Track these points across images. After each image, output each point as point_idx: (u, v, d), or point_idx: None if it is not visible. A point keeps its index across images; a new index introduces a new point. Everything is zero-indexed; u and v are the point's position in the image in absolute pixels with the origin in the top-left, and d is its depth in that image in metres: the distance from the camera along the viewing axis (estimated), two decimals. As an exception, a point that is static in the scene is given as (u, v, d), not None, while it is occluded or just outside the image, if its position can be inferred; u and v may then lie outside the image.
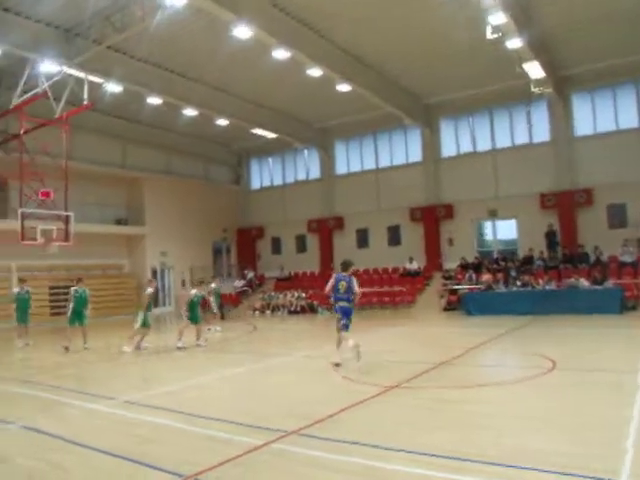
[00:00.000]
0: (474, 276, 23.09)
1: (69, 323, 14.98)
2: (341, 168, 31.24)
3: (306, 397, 8.15)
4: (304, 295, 24.83)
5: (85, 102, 18.54)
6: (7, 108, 20.35)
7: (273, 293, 25.67)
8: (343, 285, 10.59)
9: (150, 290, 14.92)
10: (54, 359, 13.53)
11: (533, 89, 21.88)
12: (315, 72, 19.90)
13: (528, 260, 23.07)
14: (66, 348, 14.25)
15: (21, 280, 17.49)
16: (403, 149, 29.29)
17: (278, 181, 33.89)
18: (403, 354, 12.15)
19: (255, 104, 25.88)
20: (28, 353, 14.88)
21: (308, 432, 6.08)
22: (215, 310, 19.79)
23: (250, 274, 29.46)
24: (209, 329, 18.21)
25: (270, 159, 34.08)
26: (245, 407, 7.51)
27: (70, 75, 18.88)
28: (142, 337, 14.52)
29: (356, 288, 10.64)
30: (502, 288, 21.00)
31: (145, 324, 14.44)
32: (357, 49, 20.83)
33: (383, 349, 12.75)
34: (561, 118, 24.74)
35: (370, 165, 30.21)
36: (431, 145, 28.15)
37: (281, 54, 18.13)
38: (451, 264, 26.73)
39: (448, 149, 28.15)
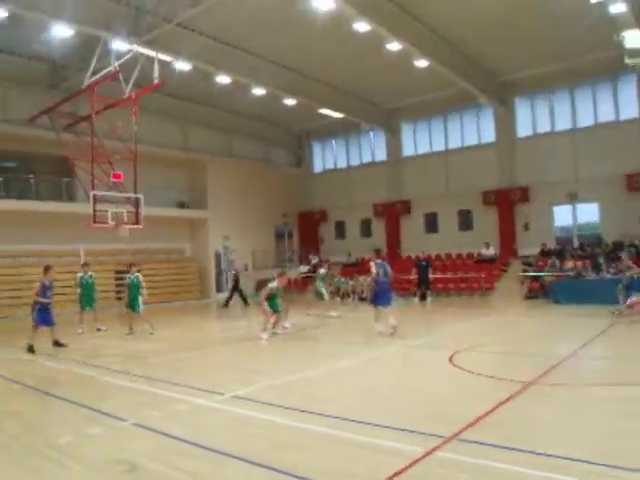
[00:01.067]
0: (557, 263, 21.69)
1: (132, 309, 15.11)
2: (408, 150, 30.03)
3: (434, 393, 7.26)
4: (374, 281, 23.80)
5: (156, 80, 17.96)
6: (79, 89, 20.06)
7: (342, 279, 24.73)
8: (383, 270, 12.87)
9: (274, 285, 13.91)
10: (133, 346, 13.04)
11: (627, 61, 20.15)
12: (394, 47, 18.79)
13: (618, 246, 21.48)
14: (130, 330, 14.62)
15: (85, 264, 17.00)
16: (475, 129, 27.87)
17: (342, 164, 32.91)
18: (515, 346, 11.10)
19: (324, 83, 24.92)
20: (105, 339, 14.40)
21: (468, 437, 5.18)
22: (326, 296, 18.32)
23: (315, 259, 28.62)
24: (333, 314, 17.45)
25: (333, 141, 33.12)
26: (376, 406, 6.64)
27: (140, 54, 18.34)
28: (276, 320, 13.87)
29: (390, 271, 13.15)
30: (592, 276, 19.56)
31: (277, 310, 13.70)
32: (437, 23, 19.60)
33: (492, 340, 11.69)
34: (654, 92, 22.93)
35: (439, 146, 28.91)
36: (506, 125, 26.65)
37: (362, 27, 17.10)
38: (527, 250, 25.36)
39: (524, 129, 26.58)
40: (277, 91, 23.22)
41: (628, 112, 23.80)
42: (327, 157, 33.66)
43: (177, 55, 19.35)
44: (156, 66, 17.89)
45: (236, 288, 23.45)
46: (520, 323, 15.54)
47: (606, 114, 24.37)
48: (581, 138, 24.73)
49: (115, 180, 18.78)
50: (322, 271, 18.90)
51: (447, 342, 11.71)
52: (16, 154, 23.09)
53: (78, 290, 16.00)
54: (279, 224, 32.33)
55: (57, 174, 24.42)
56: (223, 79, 21.32)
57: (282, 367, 9.62)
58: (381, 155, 31.05)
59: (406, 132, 30.11)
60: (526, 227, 26.10)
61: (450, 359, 9.24)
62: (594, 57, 22.52)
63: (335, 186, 32.38)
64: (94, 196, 18.08)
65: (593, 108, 24.69)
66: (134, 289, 14.97)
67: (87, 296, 15.91)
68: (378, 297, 12.92)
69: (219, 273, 28.83)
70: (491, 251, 24.84)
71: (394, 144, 30.09)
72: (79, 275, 16.18)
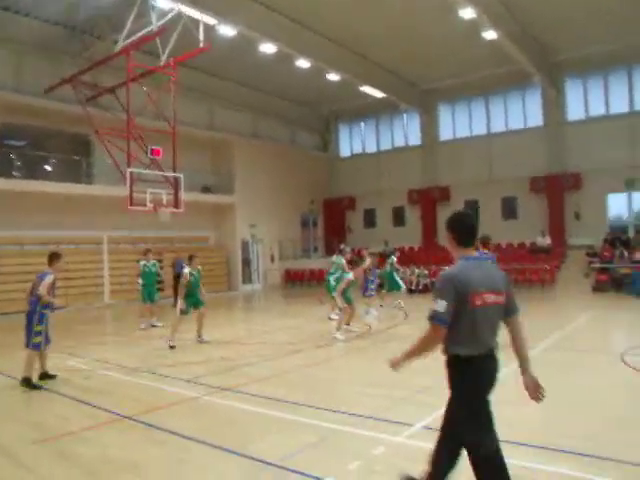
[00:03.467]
0: (626, 253, 20.08)
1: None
2: (446, 133, 28.15)
3: (620, 409, 5.48)
4: (426, 272, 21.98)
5: (201, 44, 15.81)
6: (101, 57, 17.87)
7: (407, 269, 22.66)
8: None
9: (350, 277, 12.40)
10: (203, 350, 11.05)
11: None
12: (467, 13, 16.84)
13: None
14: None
15: (146, 250, 15.07)
16: (520, 112, 26.05)
17: (371, 148, 30.90)
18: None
19: (366, 58, 22.95)
20: (161, 340, 12.36)
21: None
22: (403, 288, 16.70)
23: (347, 249, 26.49)
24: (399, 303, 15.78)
25: (362, 123, 31.10)
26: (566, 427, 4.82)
27: (181, 15, 16.15)
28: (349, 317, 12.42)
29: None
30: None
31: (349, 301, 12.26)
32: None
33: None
34: None
35: (480, 130, 27.07)
36: (556, 107, 24.90)
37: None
38: (577, 240, 23.76)
39: (575, 112, 24.83)
40: (322, 64, 21.12)
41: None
42: (355, 141, 31.62)
43: (223, 18, 17.22)
44: (202, 28, 15.80)
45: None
46: (630, 320, 13.83)
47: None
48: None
49: (154, 157, 16.66)
50: (394, 258, 16.79)
51: (591, 342, 9.97)
52: (27, 129, 20.68)
53: (140, 281, 14.04)
54: (305, 212, 30.28)
55: (70, 153, 22.17)
56: (268, 48, 19.15)
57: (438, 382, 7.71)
58: (414, 139, 29.14)
59: (444, 114, 28.21)
60: (577, 216, 24.42)
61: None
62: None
63: (364, 172, 30.39)
64: (131, 175, 15.93)
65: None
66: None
67: (149, 287, 14.19)
68: None
69: (246, 263, 26.72)
70: (547, 240, 23.10)
71: (430, 127, 28.20)
72: (142, 263, 14.24)
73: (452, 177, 27.33)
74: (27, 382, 7.99)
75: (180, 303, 11.30)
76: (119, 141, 17.33)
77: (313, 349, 10.65)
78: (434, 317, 3.26)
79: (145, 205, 16.26)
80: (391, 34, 20.59)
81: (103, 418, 6.46)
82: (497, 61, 22.89)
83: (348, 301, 12.47)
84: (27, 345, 8.17)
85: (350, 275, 12.57)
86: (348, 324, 12.61)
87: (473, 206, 26.78)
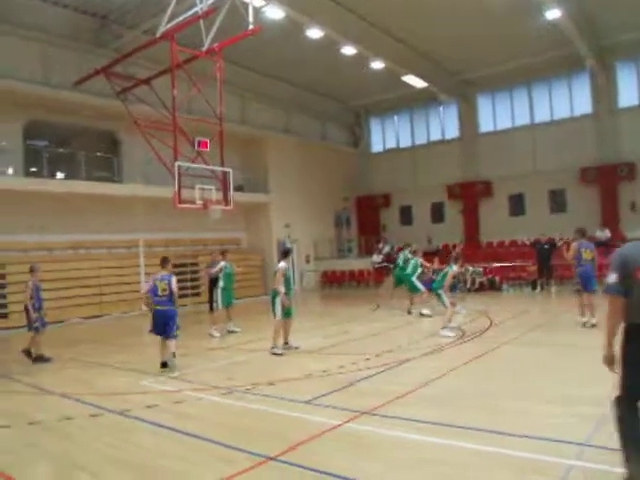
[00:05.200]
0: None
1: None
2: (486, 125, 26.82)
3: None
4: (480, 270, 20.66)
5: (251, 26, 14.44)
6: (132, 47, 16.64)
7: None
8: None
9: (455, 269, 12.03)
10: (299, 363, 9.73)
11: None
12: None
13: None
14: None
15: (223, 252, 13.88)
16: (567, 99, 24.72)
17: (405, 142, 29.54)
18: None
19: (407, 45, 21.61)
20: (250, 350, 11.05)
21: None
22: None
23: (387, 247, 25.13)
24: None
25: (395, 117, 29.74)
26: None
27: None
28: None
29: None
30: None
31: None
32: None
33: None
34: None
35: (523, 120, 25.75)
36: (607, 93, 23.57)
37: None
38: (633, 233, 22.36)
39: (627, 98, 23.49)
40: (366, 51, 19.82)
41: None
42: (388, 136, 30.20)
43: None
44: (251, 8, 14.44)
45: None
46: None
47: None
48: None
49: (202, 149, 15.32)
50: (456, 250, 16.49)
51: None
52: (54, 126, 19.33)
53: (220, 283, 12.82)
54: (339, 210, 28.93)
55: (99, 150, 20.87)
56: (315, 33, 17.85)
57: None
58: (452, 132, 27.80)
59: (483, 106, 26.89)
60: (633, 207, 23.10)
61: None
62: None
63: (398, 167, 29.04)
64: (179, 169, 14.59)
65: None
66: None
67: (229, 290, 13.27)
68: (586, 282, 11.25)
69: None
70: (607, 233, 21.74)
71: (470, 119, 26.88)
72: (222, 264, 13.01)
73: (494, 170, 25.99)
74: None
75: (281, 300, 10.14)
76: (161, 135, 16.04)
77: (421, 357, 9.31)
78: (607, 289, 3.89)
79: (194, 203, 14.94)
80: (432, 15, 19.20)
81: (241, 461, 5.06)
82: (543, 46, 21.66)
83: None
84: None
85: (455, 268, 11.92)
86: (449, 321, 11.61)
87: (517, 200, 25.47)
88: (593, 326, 10.78)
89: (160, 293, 9.25)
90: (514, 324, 12.68)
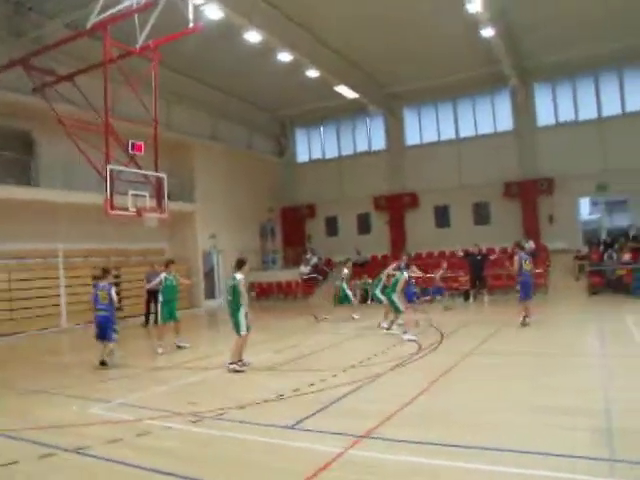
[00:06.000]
0: (614, 255, 20.02)
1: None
2: (412, 138, 27.20)
3: None
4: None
5: (191, 24, 13.62)
6: (52, 40, 15.35)
7: (369, 280, 21.23)
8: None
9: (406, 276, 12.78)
10: (261, 382, 9.05)
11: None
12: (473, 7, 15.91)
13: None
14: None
15: (168, 262, 12.83)
16: (490, 116, 25.59)
17: (332, 153, 29.36)
18: None
19: (341, 55, 21.50)
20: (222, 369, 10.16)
21: None
22: (353, 299, 17.43)
23: (314, 259, 24.71)
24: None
25: (322, 128, 29.52)
26: None
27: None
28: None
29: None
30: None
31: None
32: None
33: None
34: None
35: (449, 134, 26.35)
36: (526, 111, 24.70)
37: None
38: (551, 244, 23.54)
39: (544, 117, 24.69)
40: (303, 59, 19.42)
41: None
42: (314, 146, 29.92)
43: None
44: (191, 6, 13.64)
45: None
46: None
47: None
48: (609, 128, 23.15)
49: (135, 153, 14.23)
50: (346, 272, 17.53)
51: None
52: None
53: (160, 297, 11.74)
54: (264, 221, 28.24)
55: (10, 150, 18.99)
56: (252, 36, 17.23)
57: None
58: (378, 144, 27.99)
59: (410, 118, 27.28)
60: (551, 220, 24.21)
61: None
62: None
63: (324, 178, 28.82)
64: (111, 172, 13.43)
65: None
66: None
67: (172, 303, 12.22)
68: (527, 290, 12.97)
69: (209, 277, 24.30)
70: (531, 245, 22.50)
71: (397, 131, 27.18)
72: (163, 275, 11.93)
73: (420, 183, 26.37)
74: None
75: (243, 319, 9.61)
76: (86, 136, 14.82)
77: (389, 372, 8.91)
78: None
79: (127, 210, 13.80)
80: (366, 26, 19.23)
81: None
82: (470, 63, 22.44)
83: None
84: None
85: (406, 274, 12.75)
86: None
87: (443, 212, 26.01)
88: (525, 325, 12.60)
89: (101, 301, 10.44)
90: (465, 334, 12.64)
